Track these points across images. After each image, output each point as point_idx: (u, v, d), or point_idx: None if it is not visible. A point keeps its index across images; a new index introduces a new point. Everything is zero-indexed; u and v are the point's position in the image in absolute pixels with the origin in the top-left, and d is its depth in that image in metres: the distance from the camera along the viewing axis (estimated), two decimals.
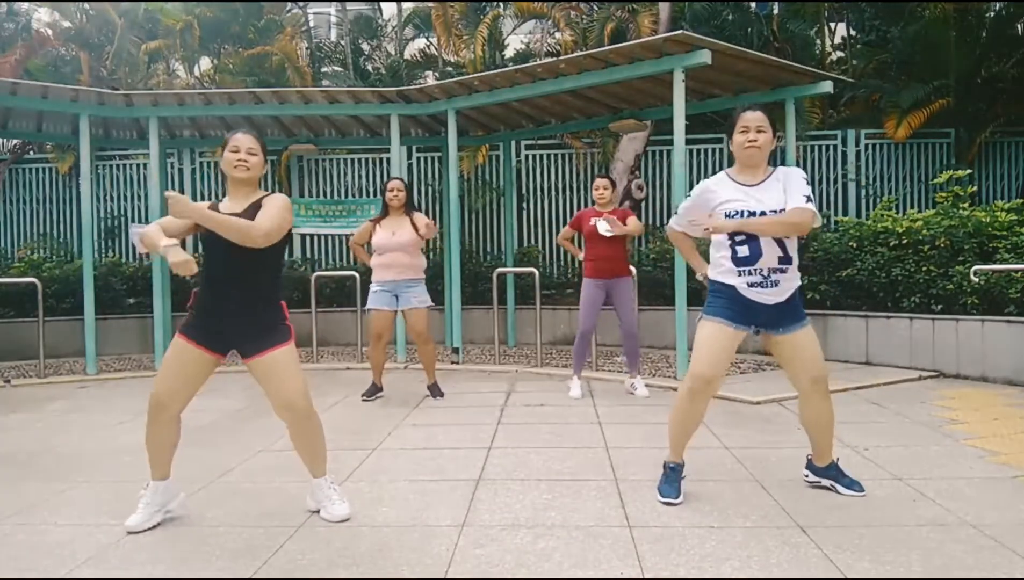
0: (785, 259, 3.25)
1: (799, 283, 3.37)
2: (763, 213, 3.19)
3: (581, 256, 6.02)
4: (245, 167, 3.10)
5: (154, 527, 3.15)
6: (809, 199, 3.18)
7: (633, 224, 5.71)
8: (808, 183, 3.26)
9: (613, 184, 6.06)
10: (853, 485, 3.45)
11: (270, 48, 11.90)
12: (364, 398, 5.90)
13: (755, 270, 3.24)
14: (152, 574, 2.71)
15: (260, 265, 3.10)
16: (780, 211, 3.19)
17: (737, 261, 3.26)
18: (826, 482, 3.51)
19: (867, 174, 10.51)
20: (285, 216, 3.06)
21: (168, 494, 3.23)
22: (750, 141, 3.25)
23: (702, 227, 3.45)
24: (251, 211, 3.09)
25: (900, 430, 4.71)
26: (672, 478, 3.44)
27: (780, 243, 3.24)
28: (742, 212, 3.21)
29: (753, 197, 3.24)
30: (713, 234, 3.33)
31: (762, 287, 3.25)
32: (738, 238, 3.25)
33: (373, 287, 5.75)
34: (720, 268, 3.34)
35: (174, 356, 3.12)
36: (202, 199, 10.92)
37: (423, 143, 10.34)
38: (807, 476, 3.59)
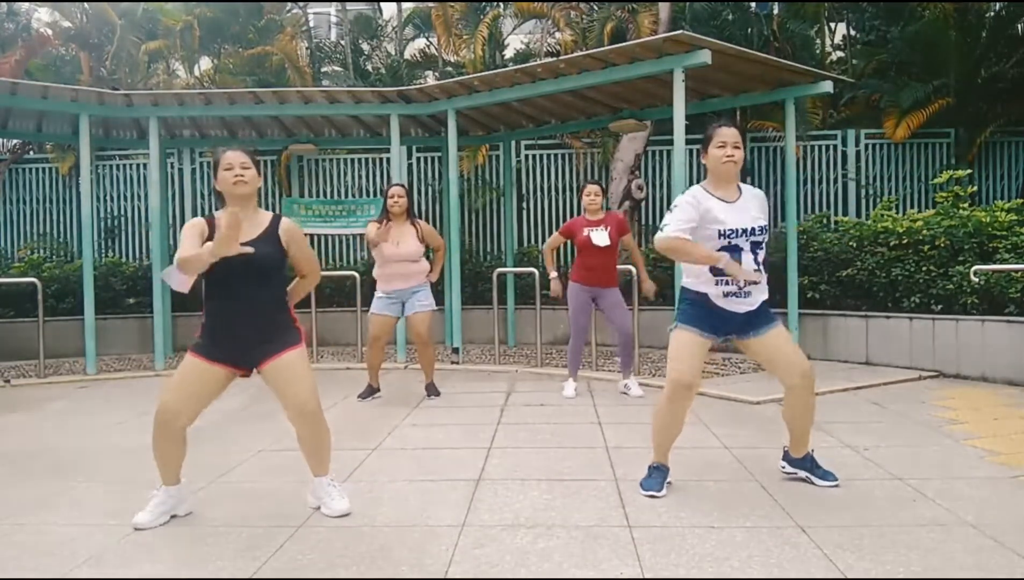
0: (758, 272, 3.39)
1: (767, 295, 3.48)
2: (753, 230, 3.34)
3: (552, 274, 6.00)
4: (243, 182, 3.12)
5: (161, 525, 3.16)
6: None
7: (636, 255, 6.14)
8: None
9: (603, 190, 6.07)
10: (827, 476, 3.55)
11: (270, 48, 11.89)
12: (360, 399, 5.91)
13: (732, 281, 3.34)
14: (152, 574, 2.71)
15: (275, 278, 3.18)
16: (762, 229, 3.37)
17: (715, 271, 3.35)
18: (802, 473, 3.61)
19: (867, 174, 10.50)
20: (309, 246, 3.36)
21: (180, 497, 3.26)
22: (727, 156, 3.35)
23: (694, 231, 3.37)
24: (266, 240, 3.13)
25: (900, 430, 4.71)
26: (655, 475, 3.52)
27: (755, 258, 3.37)
28: (736, 230, 3.34)
29: (736, 214, 3.37)
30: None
31: (736, 297, 3.37)
32: (721, 249, 3.34)
33: (379, 295, 5.72)
34: (695, 277, 3.43)
35: (186, 374, 3.12)
36: (201, 198, 11.01)
37: (423, 143, 10.34)
38: (784, 467, 3.68)
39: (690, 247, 3.30)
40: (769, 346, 3.43)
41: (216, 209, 3.27)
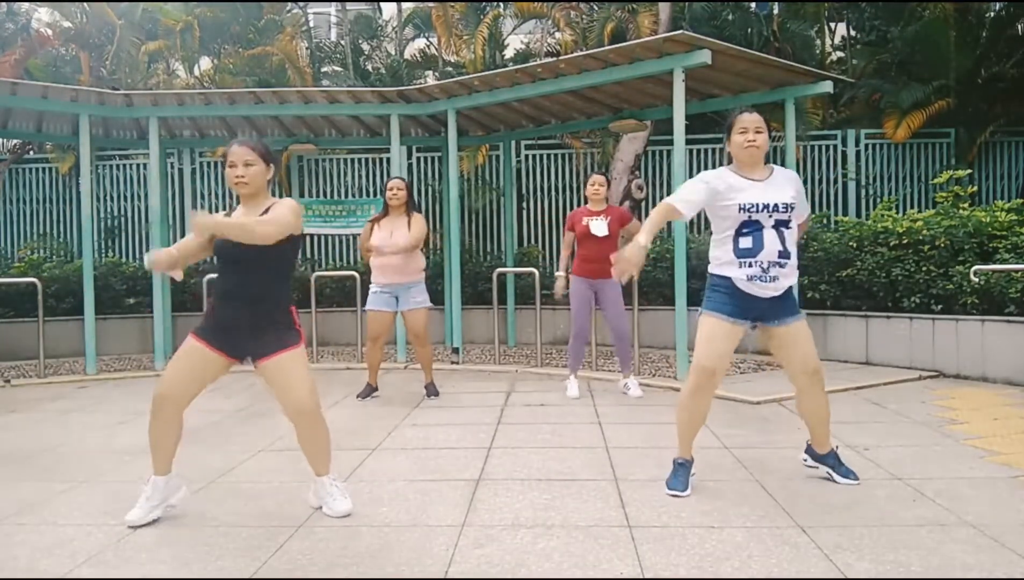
0: (784, 254, 3.34)
1: (795, 281, 3.47)
2: (776, 206, 3.30)
3: (559, 273, 6.11)
4: (244, 183, 3.14)
5: (154, 522, 3.17)
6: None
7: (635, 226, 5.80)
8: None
9: (608, 183, 6.07)
10: (849, 475, 3.58)
11: (270, 48, 11.89)
12: (359, 398, 5.91)
13: (755, 262, 3.31)
14: (152, 574, 2.71)
15: (270, 274, 3.17)
16: (789, 205, 3.33)
17: (739, 252, 3.33)
18: (823, 469, 3.63)
19: (867, 174, 10.51)
20: (289, 218, 3.08)
21: (169, 489, 3.26)
22: (749, 141, 3.34)
23: (695, 206, 3.40)
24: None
25: (900, 430, 4.71)
26: (680, 473, 3.51)
27: (781, 238, 3.32)
28: (757, 205, 3.30)
29: (764, 191, 3.33)
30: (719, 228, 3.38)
31: (760, 280, 3.32)
32: (744, 229, 3.33)
33: (373, 288, 5.74)
34: (719, 262, 3.42)
35: (182, 354, 3.18)
36: (201, 198, 11.02)
37: (423, 143, 10.34)
38: (805, 460, 3.71)
39: (661, 213, 3.36)
40: (789, 338, 3.42)
41: (232, 207, 3.30)
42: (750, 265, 3.31)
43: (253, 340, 3.15)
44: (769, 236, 3.30)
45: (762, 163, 3.42)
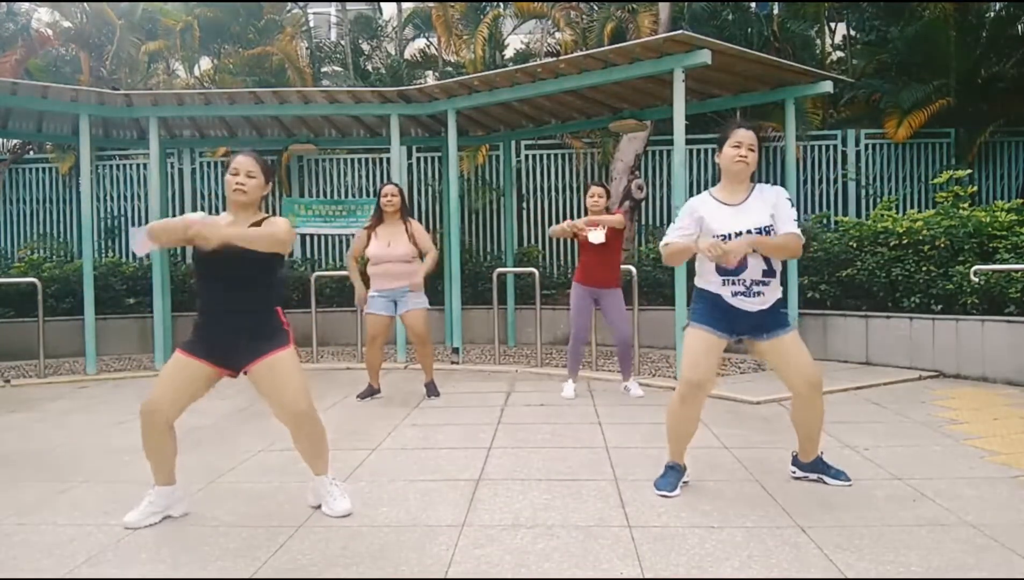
0: (769, 272, 3.39)
1: (780, 294, 3.50)
2: (748, 233, 3.32)
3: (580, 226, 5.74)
4: (243, 191, 3.16)
5: (152, 525, 3.16)
6: (797, 223, 3.39)
7: (614, 218, 5.73)
8: (793, 204, 3.45)
9: (608, 193, 6.06)
10: (840, 475, 3.59)
11: (270, 48, 11.90)
12: (359, 399, 5.90)
13: (739, 281, 3.37)
14: (152, 574, 2.71)
15: (253, 285, 3.15)
16: (764, 229, 3.32)
17: (722, 271, 3.38)
18: (813, 476, 3.63)
19: (867, 174, 10.51)
20: (286, 236, 3.11)
21: (173, 498, 3.26)
22: (740, 156, 3.37)
23: (692, 237, 3.48)
24: None
25: (900, 430, 4.71)
26: (670, 475, 3.53)
27: (765, 258, 3.37)
28: (727, 235, 3.33)
29: (735, 217, 3.37)
30: (707, 253, 3.38)
31: (744, 297, 3.38)
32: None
33: (371, 293, 5.73)
34: (705, 276, 3.47)
35: (170, 367, 3.17)
36: (201, 198, 11.02)
37: (423, 143, 10.34)
38: (794, 472, 3.70)
39: (674, 246, 3.47)
40: (780, 351, 3.43)
41: (222, 211, 3.30)
42: (734, 283, 3.37)
43: (242, 348, 3.13)
44: (753, 256, 3.33)
45: (746, 181, 3.45)
